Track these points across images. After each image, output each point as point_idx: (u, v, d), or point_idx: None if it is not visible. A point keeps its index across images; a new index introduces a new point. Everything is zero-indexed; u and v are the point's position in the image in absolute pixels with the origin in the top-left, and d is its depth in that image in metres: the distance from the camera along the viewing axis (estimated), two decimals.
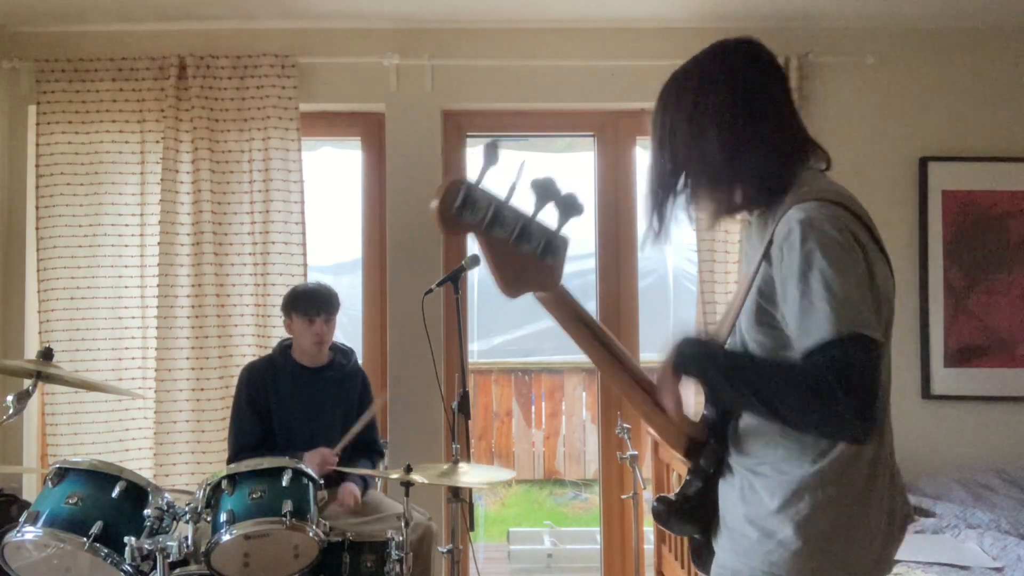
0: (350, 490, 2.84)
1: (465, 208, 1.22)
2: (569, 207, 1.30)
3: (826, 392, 1.18)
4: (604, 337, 1.40)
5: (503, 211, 1.25)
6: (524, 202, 1.29)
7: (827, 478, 1.29)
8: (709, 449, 1.44)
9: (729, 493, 1.40)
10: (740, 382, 1.28)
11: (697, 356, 1.35)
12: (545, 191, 1.28)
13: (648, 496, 3.57)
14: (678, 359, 1.35)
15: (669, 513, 1.48)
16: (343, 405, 3.00)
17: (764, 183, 1.37)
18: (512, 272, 1.29)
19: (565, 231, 1.33)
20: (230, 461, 2.92)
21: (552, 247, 1.31)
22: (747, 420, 1.39)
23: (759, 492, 1.34)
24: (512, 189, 1.27)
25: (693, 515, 1.47)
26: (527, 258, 1.29)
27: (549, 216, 1.31)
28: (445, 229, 1.23)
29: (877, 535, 1.33)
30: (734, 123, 1.36)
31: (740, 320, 1.39)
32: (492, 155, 1.22)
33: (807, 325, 1.23)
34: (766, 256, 1.32)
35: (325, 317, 2.93)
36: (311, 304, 2.92)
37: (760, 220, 1.42)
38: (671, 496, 1.49)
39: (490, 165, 1.23)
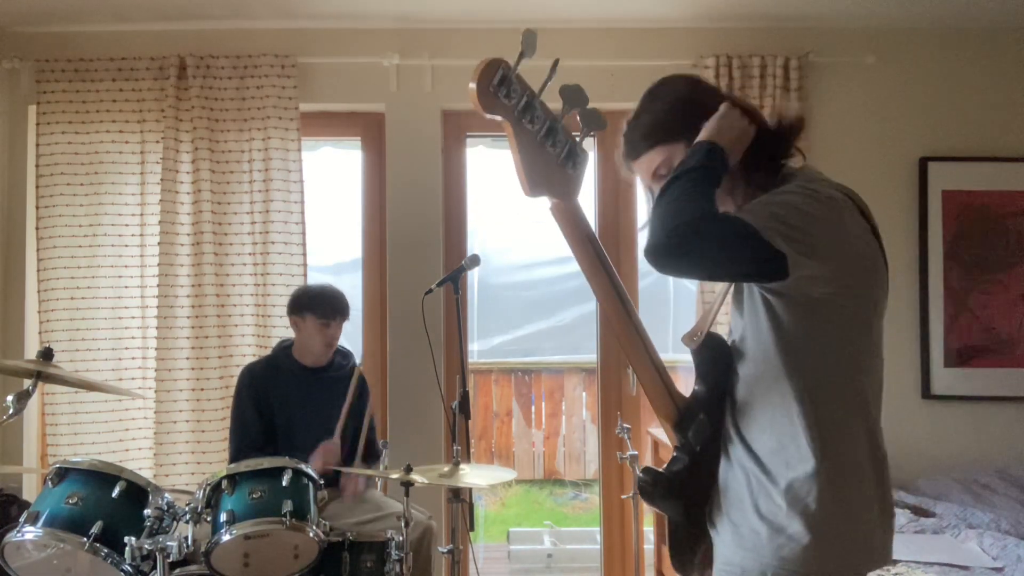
0: (351, 478, 2.85)
1: (501, 88, 1.22)
2: (593, 119, 1.32)
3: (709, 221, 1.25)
4: (608, 267, 1.41)
5: (535, 104, 1.25)
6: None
7: (830, 471, 1.31)
8: (698, 424, 1.44)
9: (733, 487, 1.41)
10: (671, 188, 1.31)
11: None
12: (574, 97, 1.29)
13: None
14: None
15: (654, 486, 1.48)
16: (341, 405, 3.00)
17: (753, 173, 1.43)
18: (535, 170, 1.28)
19: (585, 145, 1.35)
20: (231, 461, 2.92)
21: (574, 156, 1.32)
22: (743, 404, 1.40)
23: (767, 486, 1.34)
24: (544, 86, 1.27)
25: (678, 492, 1.47)
26: (550, 159, 1.30)
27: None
28: (482, 108, 1.22)
29: (876, 525, 1.37)
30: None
31: (730, 297, 1.46)
32: (530, 44, 1.22)
33: (747, 208, 1.30)
34: None
35: (339, 321, 2.96)
36: (329, 308, 2.92)
37: None
38: (659, 469, 1.48)
39: (527, 54, 1.23)
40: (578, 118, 1.32)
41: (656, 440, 3.52)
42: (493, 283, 5.56)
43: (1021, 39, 3.60)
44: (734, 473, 1.41)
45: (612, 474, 3.65)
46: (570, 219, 1.36)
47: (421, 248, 3.51)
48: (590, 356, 3.88)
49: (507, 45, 3.95)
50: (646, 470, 1.49)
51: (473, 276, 3.76)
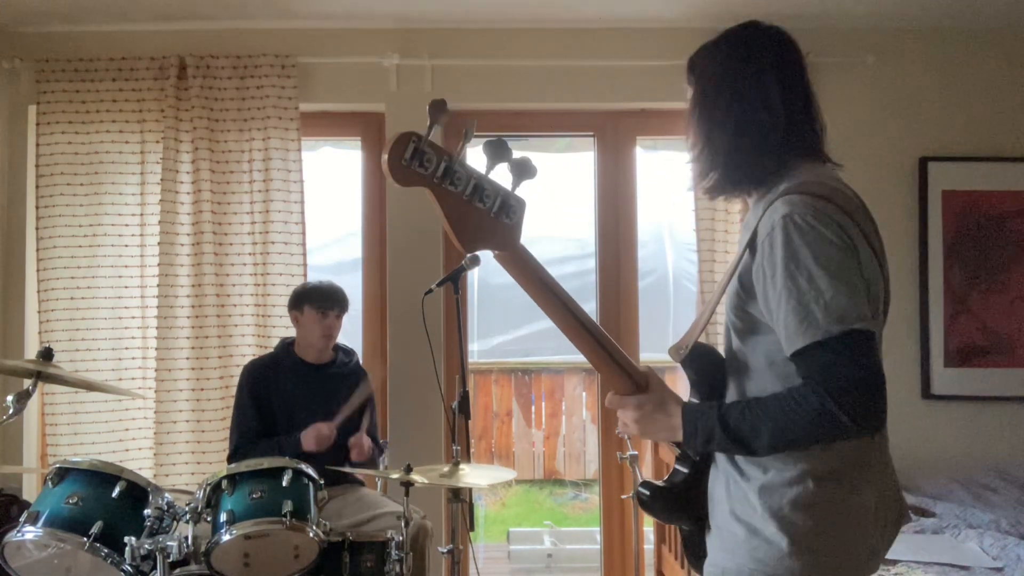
0: (361, 439, 2.89)
1: (414, 160, 1.21)
2: (522, 168, 1.30)
3: (826, 418, 1.19)
4: (569, 302, 1.36)
5: (454, 167, 1.25)
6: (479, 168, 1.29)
7: (813, 472, 1.28)
8: None
9: (716, 488, 1.40)
10: (740, 441, 1.27)
11: (693, 432, 1.32)
12: (497, 152, 1.27)
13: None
14: (686, 440, 1.33)
15: (653, 500, 1.46)
16: (343, 403, 3.00)
17: (750, 169, 1.38)
18: (467, 228, 1.28)
19: (520, 193, 1.32)
20: (231, 456, 2.94)
21: (508, 207, 1.30)
22: None
23: (743, 487, 1.33)
24: (461, 149, 1.27)
25: (680, 504, 1.45)
26: (483, 215, 1.28)
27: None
28: (397, 181, 1.21)
29: (869, 530, 1.32)
30: (736, 102, 1.38)
31: (724, 300, 1.42)
32: (438, 114, 1.22)
33: (794, 325, 1.23)
34: (750, 245, 1.32)
35: (338, 312, 2.99)
36: (326, 298, 2.97)
37: (755, 206, 1.41)
38: (657, 482, 1.47)
39: (435, 123, 1.22)
40: (508, 171, 1.31)
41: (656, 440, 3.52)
42: (493, 283, 5.55)
43: (1021, 39, 3.60)
44: (716, 477, 1.40)
45: (612, 474, 3.65)
46: (518, 266, 1.33)
47: (421, 248, 3.51)
48: None
49: (507, 45, 3.94)
50: (644, 484, 1.47)
51: (473, 276, 3.76)
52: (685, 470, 1.45)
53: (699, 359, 1.45)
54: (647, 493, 1.46)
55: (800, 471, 1.28)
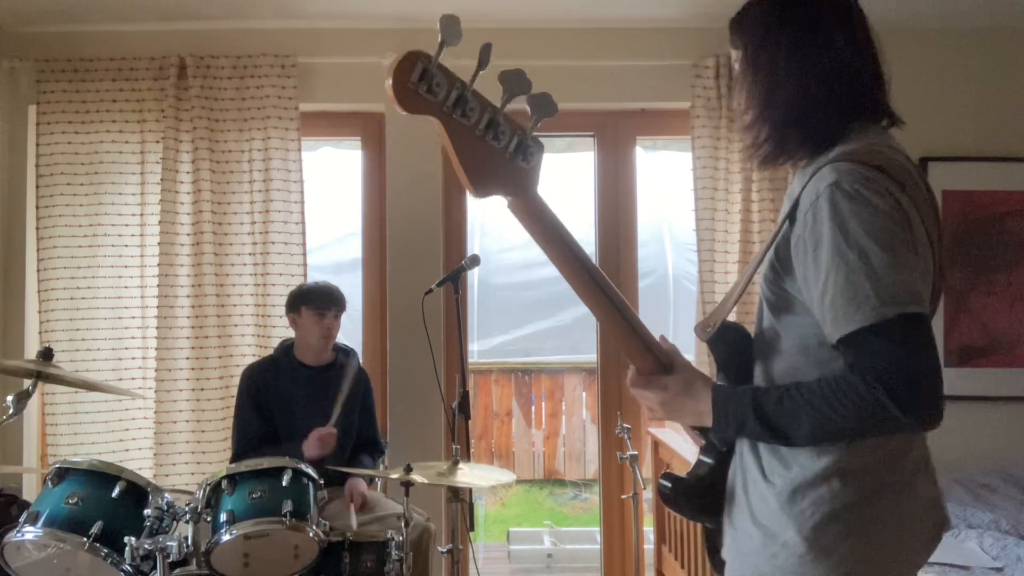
0: (355, 486, 2.85)
1: (422, 83, 1.07)
2: (542, 105, 1.16)
3: (878, 410, 1.09)
4: (588, 264, 1.22)
5: (466, 95, 1.10)
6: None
7: (841, 469, 1.18)
8: None
9: (734, 483, 1.30)
10: (776, 430, 1.17)
11: (723, 417, 1.22)
12: (515, 83, 1.13)
13: (648, 496, 3.58)
14: (715, 427, 1.24)
15: (676, 492, 1.35)
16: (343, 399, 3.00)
17: (808, 132, 1.26)
18: (480, 167, 1.12)
19: (537, 134, 1.17)
20: (233, 459, 2.93)
21: (525, 148, 1.15)
22: None
23: (761, 485, 1.23)
24: (475, 75, 1.11)
25: (703, 498, 1.34)
26: (497, 154, 1.13)
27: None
28: (404, 107, 1.07)
29: (902, 536, 1.21)
30: (790, 62, 1.27)
31: (760, 276, 1.31)
32: (451, 31, 1.07)
33: (842, 306, 1.11)
34: (790, 216, 1.21)
35: (335, 312, 2.98)
36: (324, 299, 2.96)
37: (801, 173, 1.30)
38: (680, 475, 1.37)
39: (449, 42, 1.08)
40: (526, 105, 1.15)
41: (656, 440, 3.52)
42: (493, 283, 5.56)
43: (1021, 39, 3.60)
44: (735, 471, 1.30)
45: (612, 474, 3.65)
46: (530, 215, 1.18)
47: (421, 248, 3.51)
48: (590, 356, 3.89)
49: (507, 45, 3.94)
50: (666, 476, 1.36)
51: (473, 276, 3.76)
52: (710, 461, 1.34)
53: (727, 338, 1.34)
54: (668, 486, 1.35)
55: (826, 468, 1.18)
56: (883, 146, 1.24)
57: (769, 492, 1.22)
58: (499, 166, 1.13)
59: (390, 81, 1.06)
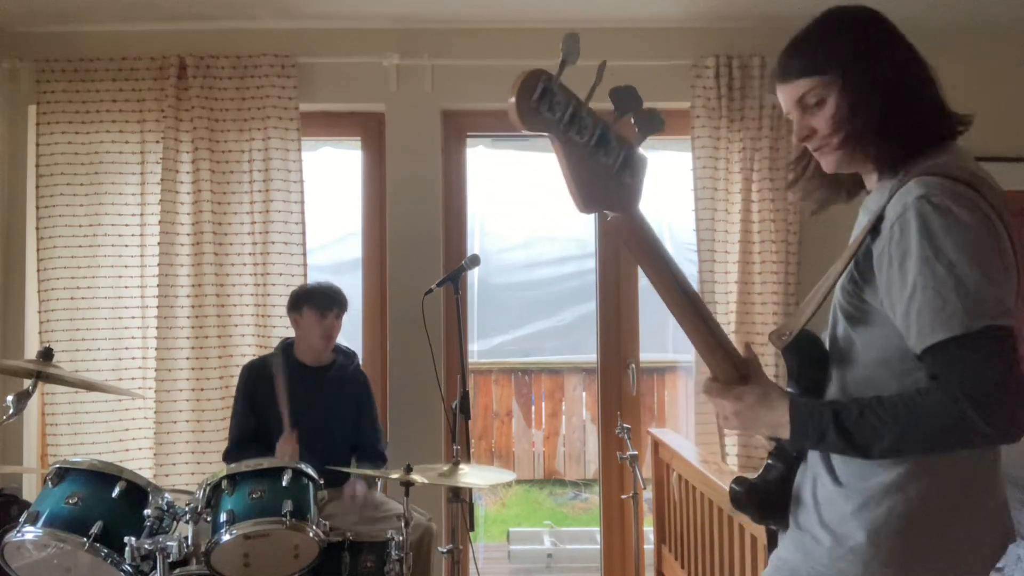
0: (353, 485, 2.86)
1: (543, 102, 1.09)
2: (650, 120, 1.18)
3: (964, 424, 1.09)
4: (682, 280, 1.23)
5: (582, 113, 1.13)
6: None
7: (918, 479, 1.19)
8: None
9: (803, 488, 1.31)
10: (855, 444, 1.17)
11: (802, 430, 1.21)
12: (626, 100, 1.16)
13: (648, 496, 3.58)
14: (793, 439, 1.23)
15: (747, 496, 1.35)
16: (342, 405, 3.00)
17: (903, 143, 1.29)
18: (589, 183, 1.14)
19: (642, 149, 1.19)
20: (228, 450, 2.96)
21: (631, 164, 1.17)
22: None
23: (832, 491, 1.24)
24: (592, 92, 1.15)
25: (772, 502, 1.34)
26: (604, 170, 1.15)
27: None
28: (525, 126, 1.08)
29: (970, 546, 1.22)
30: (895, 74, 1.36)
31: (837, 287, 1.30)
32: (572, 50, 1.09)
33: (928, 317, 1.12)
34: (874, 230, 1.22)
35: (337, 312, 2.98)
36: (325, 299, 2.96)
37: (880, 187, 1.31)
38: (751, 478, 1.36)
39: (570, 62, 1.10)
40: (633, 122, 1.18)
41: (656, 440, 3.52)
42: (493, 283, 5.56)
43: (1021, 39, 3.60)
44: (804, 476, 1.31)
45: (612, 474, 3.64)
46: (632, 231, 1.20)
47: (421, 248, 3.51)
48: (590, 356, 3.88)
49: (507, 45, 3.93)
50: (738, 480, 1.36)
51: (473, 276, 3.76)
52: (780, 465, 1.34)
53: (803, 347, 1.33)
54: (739, 489, 1.35)
55: (901, 475, 1.19)
56: (967, 160, 1.28)
57: (840, 496, 1.23)
58: (606, 182, 1.16)
59: (513, 100, 1.07)
